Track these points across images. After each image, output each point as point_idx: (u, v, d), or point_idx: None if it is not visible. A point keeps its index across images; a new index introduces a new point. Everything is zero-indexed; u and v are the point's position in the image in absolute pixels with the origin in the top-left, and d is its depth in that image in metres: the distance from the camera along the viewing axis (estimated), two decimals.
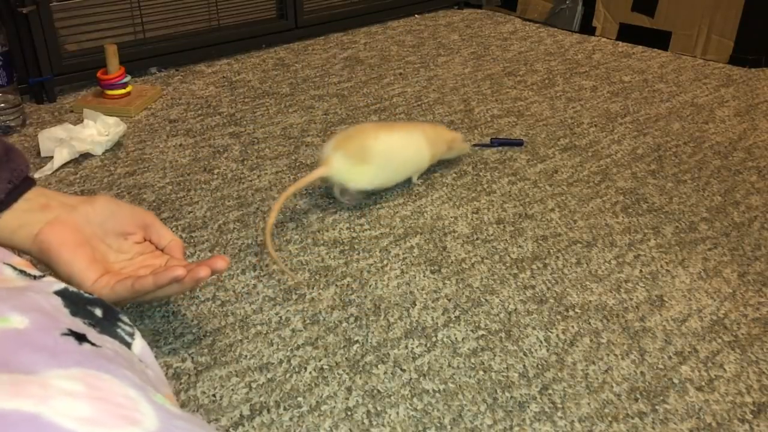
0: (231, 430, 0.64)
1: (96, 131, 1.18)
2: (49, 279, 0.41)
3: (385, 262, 0.89)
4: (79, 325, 0.37)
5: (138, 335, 0.41)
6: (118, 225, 0.71)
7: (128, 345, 0.40)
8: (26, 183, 0.67)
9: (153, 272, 0.67)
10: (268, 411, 0.66)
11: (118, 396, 0.32)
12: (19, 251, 0.68)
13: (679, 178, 1.12)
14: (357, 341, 0.75)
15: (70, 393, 0.30)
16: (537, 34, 1.91)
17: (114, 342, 0.38)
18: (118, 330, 0.40)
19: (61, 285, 0.41)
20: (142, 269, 0.70)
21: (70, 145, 1.12)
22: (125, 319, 0.41)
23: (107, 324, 0.40)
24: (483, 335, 0.76)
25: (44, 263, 0.67)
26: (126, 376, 0.34)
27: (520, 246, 0.93)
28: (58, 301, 0.39)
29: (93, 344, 0.35)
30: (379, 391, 0.68)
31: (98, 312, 0.40)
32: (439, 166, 1.14)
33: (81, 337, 0.35)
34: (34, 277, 0.41)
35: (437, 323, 0.78)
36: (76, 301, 0.40)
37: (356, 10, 1.90)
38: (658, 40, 1.78)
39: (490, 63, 1.66)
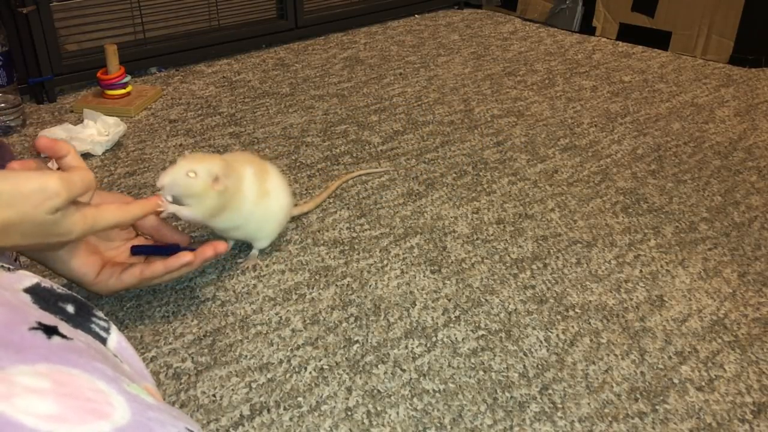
0: (231, 430, 0.64)
1: (96, 131, 1.19)
2: (23, 273, 0.41)
3: (385, 262, 0.89)
4: (49, 318, 0.37)
5: (114, 330, 0.41)
6: None
7: (103, 340, 0.40)
8: None
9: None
10: (268, 411, 0.66)
11: (86, 390, 0.31)
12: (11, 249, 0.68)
13: (679, 178, 1.12)
14: (357, 341, 0.75)
15: (36, 390, 0.30)
16: (537, 34, 1.91)
17: (87, 336, 0.38)
18: (92, 326, 0.40)
19: (33, 280, 0.40)
20: (134, 256, 0.75)
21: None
22: (100, 314, 0.41)
23: (80, 320, 0.39)
24: (483, 335, 0.76)
25: (39, 261, 0.67)
26: (97, 369, 0.33)
27: (520, 246, 0.93)
28: (27, 298, 0.38)
29: (64, 336, 0.35)
30: (379, 391, 0.68)
31: (70, 308, 0.40)
32: (439, 165, 1.14)
33: (51, 330, 0.35)
34: (9, 269, 0.41)
35: (437, 323, 0.78)
36: (46, 299, 0.39)
37: (356, 10, 1.90)
38: (658, 40, 1.78)
39: (490, 63, 1.66)
